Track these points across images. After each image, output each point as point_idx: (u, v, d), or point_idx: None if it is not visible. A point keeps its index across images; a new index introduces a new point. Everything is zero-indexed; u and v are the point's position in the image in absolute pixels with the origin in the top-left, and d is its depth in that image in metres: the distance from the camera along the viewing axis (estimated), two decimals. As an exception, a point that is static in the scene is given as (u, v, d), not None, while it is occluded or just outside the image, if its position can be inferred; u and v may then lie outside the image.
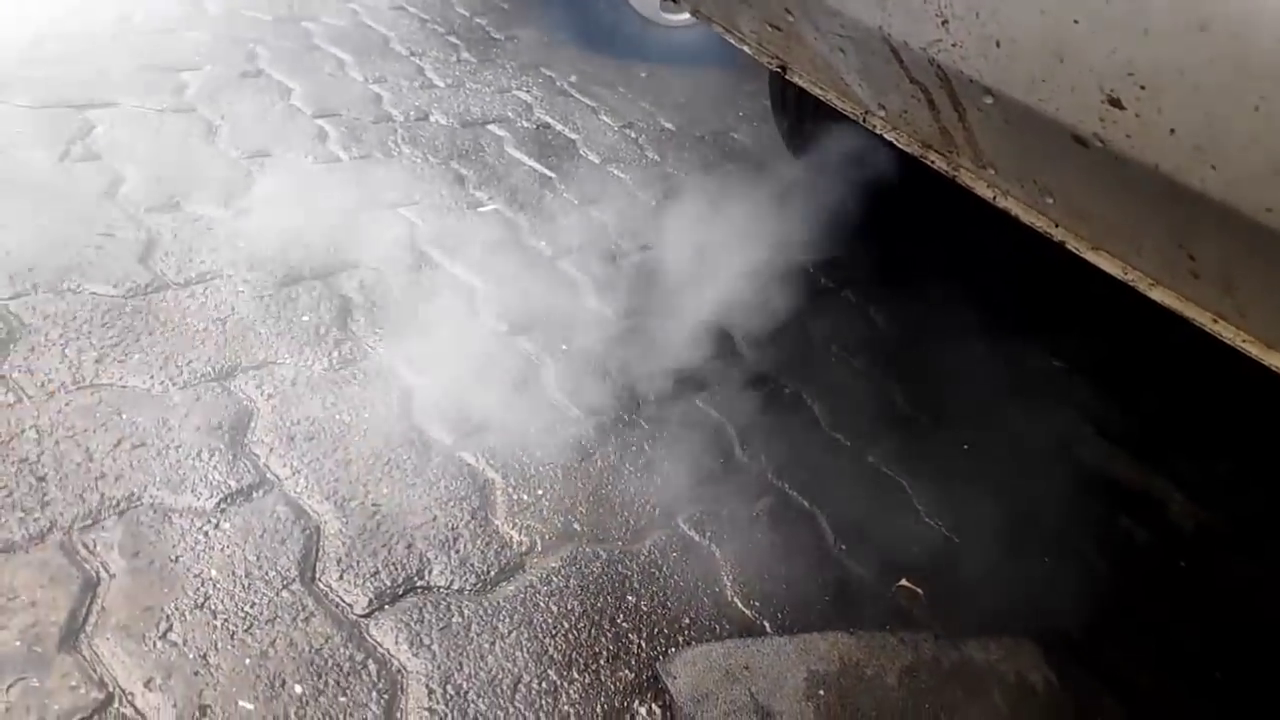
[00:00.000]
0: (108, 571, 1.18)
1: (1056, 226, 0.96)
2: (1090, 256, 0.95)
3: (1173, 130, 0.67)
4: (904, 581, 1.51)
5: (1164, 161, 0.69)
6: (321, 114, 2.52)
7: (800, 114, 2.52)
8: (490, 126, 2.72)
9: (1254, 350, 0.83)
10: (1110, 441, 1.92)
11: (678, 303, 2.02)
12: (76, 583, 1.16)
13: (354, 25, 3.26)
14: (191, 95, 2.43)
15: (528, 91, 3.06)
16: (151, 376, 1.50)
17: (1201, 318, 0.85)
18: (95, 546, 1.21)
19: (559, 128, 2.84)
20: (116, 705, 1.05)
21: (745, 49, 1.43)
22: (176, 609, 1.16)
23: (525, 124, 2.80)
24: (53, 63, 2.37)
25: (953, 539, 1.60)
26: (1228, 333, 0.84)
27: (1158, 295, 0.89)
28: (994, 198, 1.03)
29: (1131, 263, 0.88)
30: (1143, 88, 0.67)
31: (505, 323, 1.84)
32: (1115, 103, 0.70)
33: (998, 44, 0.77)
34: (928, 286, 2.34)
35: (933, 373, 2.01)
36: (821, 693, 1.28)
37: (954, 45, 0.83)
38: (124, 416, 1.41)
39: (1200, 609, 1.59)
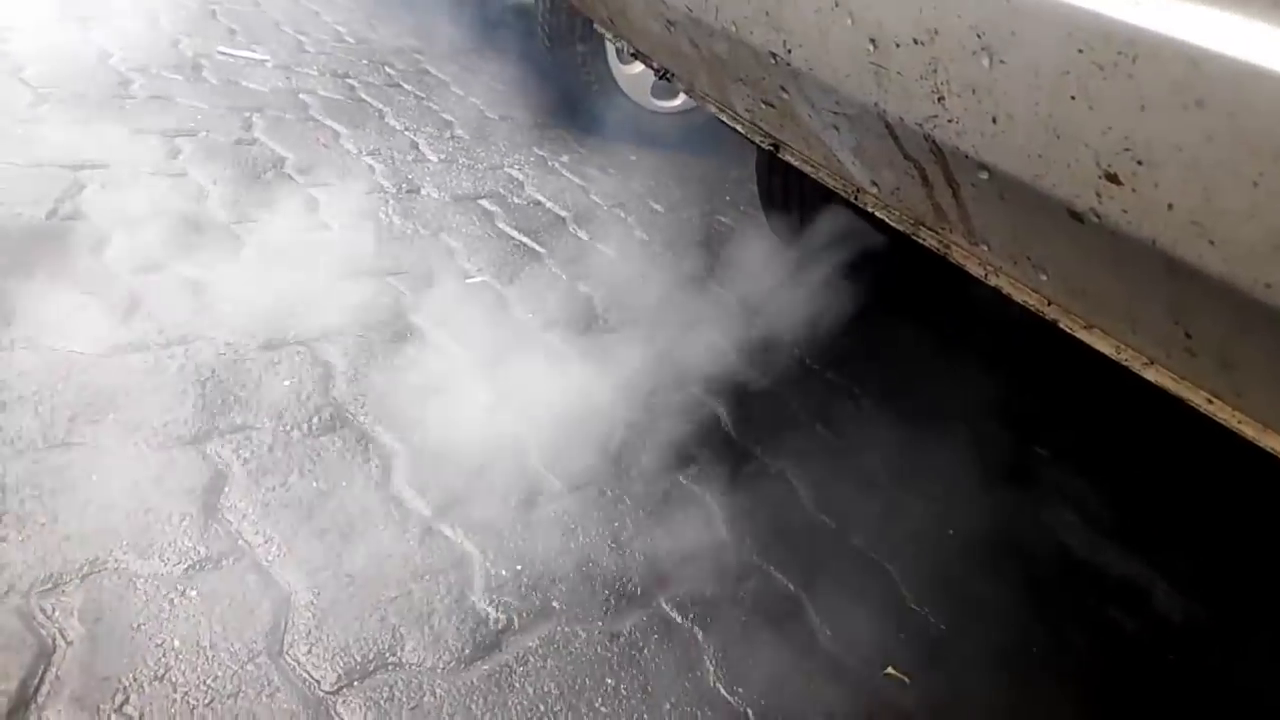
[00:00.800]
0: (64, 639, 1.13)
1: (1049, 304, 0.96)
2: (1083, 335, 0.94)
3: (1170, 205, 0.67)
4: (890, 669, 1.46)
5: (1161, 237, 0.69)
6: (314, 184, 2.53)
7: (786, 199, 2.55)
8: (481, 201, 2.74)
9: (1249, 432, 0.83)
10: (1096, 530, 1.90)
11: (662, 378, 2.01)
12: (31, 650, 1.10)
13: (350, 99, 3.31)
14: (184, 160, 2.44)
15: (519, 169, 3.09)
16: (125, 437, 1.46)
17: (1196, 398, 0.84)
18: (54, 612, 1.16)
19: (549, 205, 2.87)
20: (63, 782, 0.99)
21: (738, 128, 1.46)
22: (135, 680, 1.11)
23: (516, 200, 2.83)
24: (48, 124, 2.38)
25: (939, 626, 1.57)
26: (1223, 413, 0.83)
27: (1152, 375, 0.88)
28: (986, 275, 1.03)
29: (1126, 341, 0.87)
30: (1140, 163, 0.68)
31: (489, 393, 1.82)
32: (1112, 178, 0.70)
33: (994, 120, 0.78)
34: (913, 369, 2.35)
35: (918, 456, 1.99)
36: (807, 784, 1.23)
37: (950, 121, 0.83)
38: (94, 478, 1.37)
39: (1189, 702, 1.55)
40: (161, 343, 1.70)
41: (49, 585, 1.19)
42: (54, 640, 1.12)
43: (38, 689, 1.07)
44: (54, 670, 1.09)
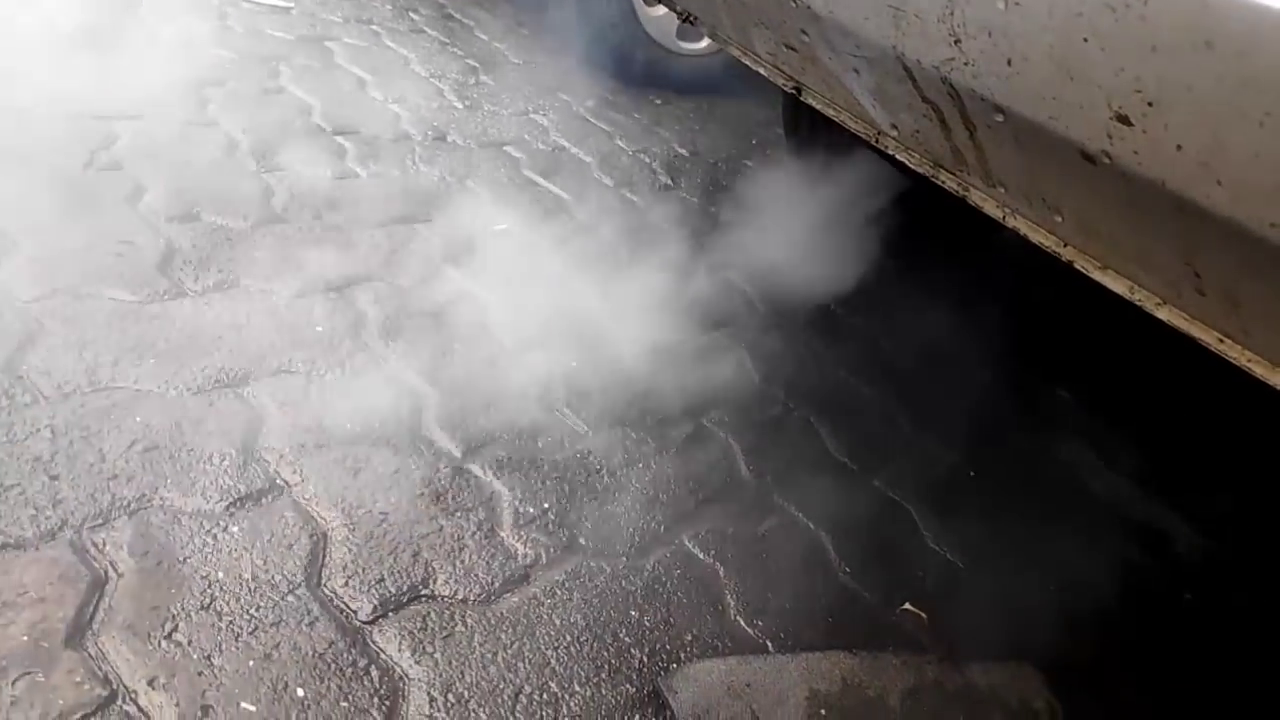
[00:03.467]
0: (116, 571, 1.19)
1: (1065, 245, 0.97)
2: (1098, 276, 0.95)
3: (1179, 146, 0.68)
4: (907, 605, 1.50)
5: (1170, 178, 0.70)
6: (340, 131, 2.55)
7: (813, 143, 2.54)
8: (507, 148, 2.75)
9: (1259, 370, 0.84)
10: (1116, 472, 1.92)
11: (687, 325, 2.03)
12: (85, 581, 1.16)
13: (375, 46, 3.31)
14: (214, 109, 2.47)
15: (544, 115, 3.09)
16: (166, 381, 1.51)
17: (1207, 337, 0.85)
18: (105, 546, 1.22)
19: (574, 151, 2.87)
20: (120, 703, 1.05)
21: (761, 71, 1.46)
22: (182, 609, 1.17)
23: (541, 146, 2.84)
24: (81, 75, 2.41)
25: (957, 564, 1.60)
26: (1233, 352, 0.84)
27: (1164, 315, 0.89)
28: (1003, 217, 1.04)
29: (1139, 281, 0.88)
30: (1150, 104, 0.68)
31: (516, 338, 1.86)
32: (1123, 120, 0.71)
33: (1009, 62, 0.79)
34: (936, 314, 2.35)
35: (939, 400, 2.01)
36: (823, 712, 1.28)
37: (966, 64, 0.84)
38: (137, 419, 1.43)
39: (1205, 640, 1.58)
40: (197, 290, 1.74)
41: (99, 521, 1.25)
42: (106, 572, 1.18)
43: (92, 617, 1.13)
44: (107, 600, 1.15)
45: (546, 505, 1.49)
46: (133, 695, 1.06)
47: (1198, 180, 0.68)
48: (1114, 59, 0.70)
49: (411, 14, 3.78)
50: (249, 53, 2.93)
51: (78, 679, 1.05)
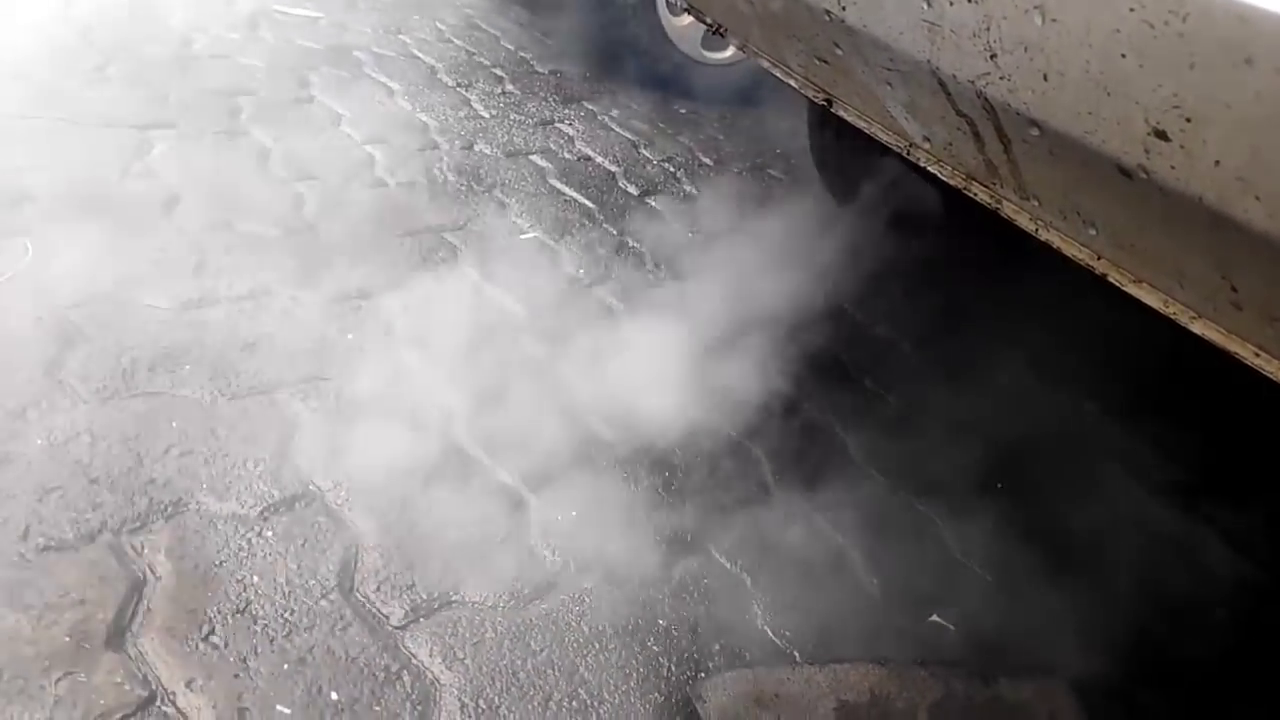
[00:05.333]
0: (154, 573, 1.21)
1: (1099, 259, 0.97)
2: (1132, 289, 0.95)
3: (1217, 162, 0.68)
4: (935, 617, 1.50)
5: (1208, 193, 0.70)
6: (369, 140, 2.58)
7: (838, 152, 2.54)
8: (533, 157, 2.78)
9: (1297, 385, 0.84)
10: (1145, 485, 1.91)
11: (711, 334, 2.04)
12: (124, 583, 1.19)
13: (403, 56, 3.35)
14: (246, 119, 2.51)
15: (570, 124, 3.11)
16: (201, 387, 1.54)
17: (1244, 351, 0.85)
18: (143, 549, 1.24)
19: (599, 160, 2.89)
20: (159, 704, 1.07)
21: (791, 83, 1.47)
22: (219, 612, 1.19)
23: (567, 155, 2.86)
24: (116, 85, 2.46)
25: (985, 577, 1.60)
26: (1270, 366, 0.84)
27: (1199, 328, 0.89)
28: (1036, 230, 1.04)
29: (1174, 295, 0.89)
30: (1188, 120, 0.69)
31: (543, 347, 1.87)
32: (1161, 135, 0.71)
33: (1045, 77, 0.79)
34: (963, 326, 2.35)
35: (967, 412, 2.00)
36: (851, 723, 1.28)
37: (1002, 78, 0.85)
38: (173, 424, 1.45)
39: (1237, 657, 1.57)
40: (230, 297, 1.77)
41: (138, 524, 1.27)
42: (144, 575, 1.20)
43: (132, 619, 1.15)
44: (145, 602, 1.17)
45: (574, 513, 1.50)
46: (171, 697, 1.08)
47: (1236, 195, 0.69)
48: (1152, 75, 0.70)
49: (438, 23, 3.81)
50: (279, 62, 2.97)
51: (118, 679, 1.07)
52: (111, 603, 1.15)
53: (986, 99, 0.90)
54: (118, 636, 1.12)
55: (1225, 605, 1.66)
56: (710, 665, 1.31)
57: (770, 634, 1.38)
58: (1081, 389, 2.18)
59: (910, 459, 1.82)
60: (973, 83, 0.90)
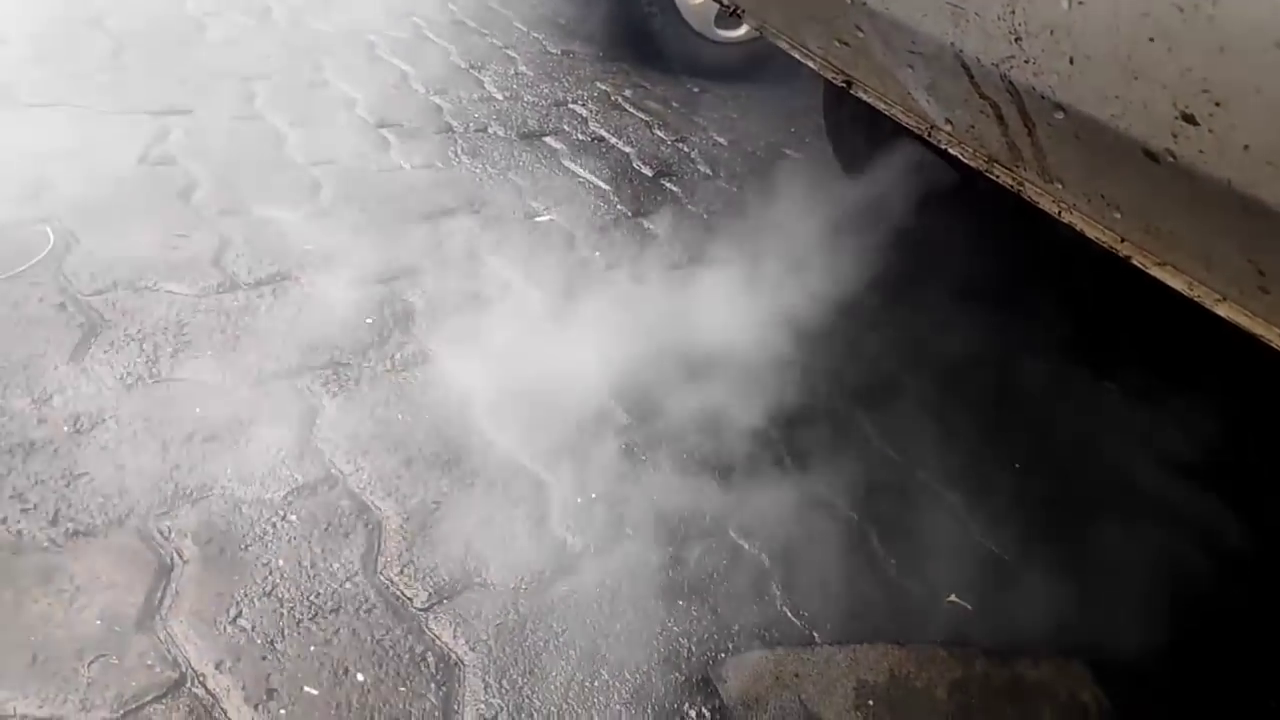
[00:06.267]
0: (181, 558, 1.23)
1: (1122, 241, 0.97)
2: (1155, 272, 0.95)
3: (1246, 146, 0.68)
4: (953, 597, 1.51)
5: (1236, 177, 0.70)
6: (384, 124, 2.58)
7: (854, 131, 2.53)
8: (547, 139, 2.77)
9: (1323, 368, 0.83)
10: (1164, 466, 1.90)
11: (729, 313, 2.04)
12: (153, 567, 1.20)
13: (416, 38, 3.34)
14: (260, 104, 2.51)
15: (583, 105, 3.10)
16: (223, 373, 1.55)
17: (1269, 334, 0.85)
18: (170, 533, 1.26)
19: (613, 141, 2.88)
20: (189, 685, 1.08)
21: (810, 64, 1.46)
22: (246, 595, 1.20)
23: (580, 137, 2.85)
24: (132, 71, 2.46)
25: (1004, 557, 1.60)
26: (1296, 349, 0.84)
27: (1224, 311, 0.89)
28: (1059, 213, 1.04)
29: (1198, 278, 0.88)
30: (1217, 104, 0.68)
31: (561, 330, 1.87)
32: (1189, 119, 0.71)
33: (1071, 60, 0.79)
34: (981, 305, 2.34)
35: (985, 392, 2.00)
36: (871, 702, 1.29)
37: (1027, 61, 0.84)
38: (197, 410, 1.47)
39: (1256, 637, 1.57)
40: (250, 283, 1.78)
41: (164, 509, 1.29)
42: (172, 559, 1.22)
43: (160, 602, 1.17)
44: (173, 586, 1.19)
45: (594, 495, 1.51)
46: (201, 678, 1.09)
47: (1265, 180, 0.68)
48: (1181, 59, 0.70)
49: (450, 5, 3.80)
50: (293, 46, 2.97)
51: (149, 662, 1.09)
52: (140, 587, 1.17)
53: (1011, 82, 0.89)
54: (147, 619, 1.14)
55: (1244, 585, 1.66)
56: (730, 646, 1.32)
57: (789, 614, 1.39)
58: (1101, 368, 2.17)
59: (925, 438, 1.82)
60: (997, 66, 0.89)
